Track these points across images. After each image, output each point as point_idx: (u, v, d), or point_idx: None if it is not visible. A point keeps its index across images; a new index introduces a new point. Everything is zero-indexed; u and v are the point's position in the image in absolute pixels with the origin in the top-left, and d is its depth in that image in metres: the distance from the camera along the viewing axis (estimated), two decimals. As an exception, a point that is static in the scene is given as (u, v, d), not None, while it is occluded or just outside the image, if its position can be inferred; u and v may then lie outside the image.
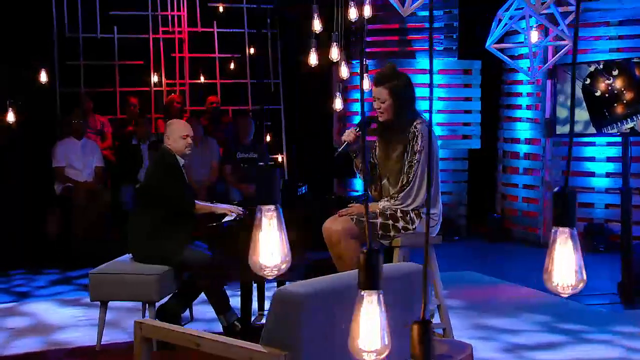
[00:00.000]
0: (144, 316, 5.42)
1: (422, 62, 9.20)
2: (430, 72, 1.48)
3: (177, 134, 5.03)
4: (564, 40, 6.13)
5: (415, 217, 4.21)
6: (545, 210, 8.84)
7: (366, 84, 5.77)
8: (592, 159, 8.54)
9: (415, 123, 4.26)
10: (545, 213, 8.84)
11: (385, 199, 4.29)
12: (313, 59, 5.21)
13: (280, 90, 10.44)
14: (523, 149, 9.22)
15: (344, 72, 5.66)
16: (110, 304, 5.28)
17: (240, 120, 8.89)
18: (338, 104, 6.17)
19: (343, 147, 4.42)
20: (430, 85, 1.52)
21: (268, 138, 9.99)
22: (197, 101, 10.09)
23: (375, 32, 9.30)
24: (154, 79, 10.06)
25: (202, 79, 10.24)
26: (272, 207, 1.44)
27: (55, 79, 9.23)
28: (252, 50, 10.35)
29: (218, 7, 10.28)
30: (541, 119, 8.82)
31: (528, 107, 9.16)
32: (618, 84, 5.93)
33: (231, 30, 10.32)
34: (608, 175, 8.49)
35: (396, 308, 2.59)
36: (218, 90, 10.27)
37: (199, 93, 10.19)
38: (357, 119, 9.64)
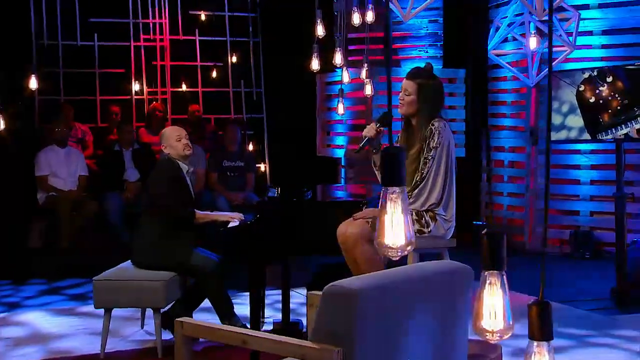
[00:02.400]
0: (142, 324, 5.39)
1: (408, 70, 9.25)
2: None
3: (172, 139, 5.07)
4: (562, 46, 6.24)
5: (430, 220, 4.24)
6: (531, 218, 8.95)
7: (368, 90, 5.80)
8: (577, 167, 8.68)
9: (433, 121, 4.30)
10: (531, 221, 8.95)
11: (399, 200, 4.31)
12: (315, 64, 5.22)
13: (263, 98, 10.45)
14: (508, 157, 9.34)
15: (346, 77, 5.69)
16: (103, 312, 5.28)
17: (227, 128, 8.88)
18: (340, 109, 6.20)
19: (364, 142, 4.43)
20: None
21: (250, 147, 9.99)
22: (179, 110, 10.05)
23: (359, 41, 9.36)
24: (135, 87, 10.01)
25: (184, 87, 10.21)
26: (397, 189, 1.46)
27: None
28: (234, 59, 10.35)
29: (200, 14, 10.28)
30: (526, 127, 8.95)
31: (512, 116, 9.29)
32: (612, 90, 6.04)
33: (213, 38, 10.31)
34: (593, 182, 8.62)
35: (440, 305, 2.62)
36: (200, 99, 10.24)
37: (181, 101, 10.15)
38: (340, 128, 9.68)
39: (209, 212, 5.19)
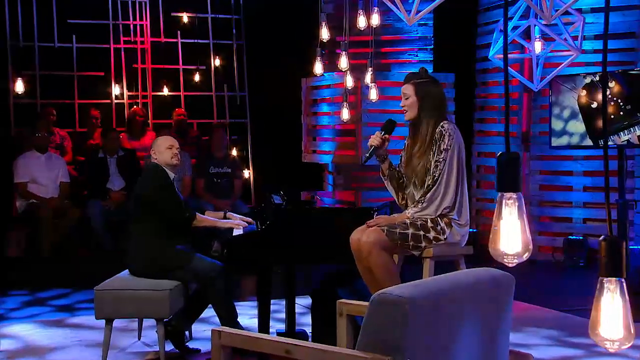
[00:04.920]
0: (140, 335, 5.36)
1: (397, 74, 9.32)
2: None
3: (163, 146, 5.12)
4: (567, 51, 6.34)
5: (445, 227, 4.28)
6: (523, 225, 9.03)
7: (373, 94, 5.84)
8: (569, 173, 8.78)
9: (442, 123, 4.34)
10: (523, 228, 9.04)
11: (412, 205, 4.35)
12: (318, 68, 5.24)
13: (247, 102, 10.46)
14: (498, 163, 9.42)
15: (350, 81, 5.72)
16: (96, 323, 5.24)
17: (213, 133, 8.87)
18: (345, 114, 6.22)
19: (370, 152, 4.47)
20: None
21: (234, 152, 9.98)
22: (161, 114, 10.02)
23: (348, 44, 9.40)
24: (115, 90, 9.97)
25: (165, 91, 10.18)
26: (514, 194, 1.48)
27: (8, 90, 9.08)
28: (217, 62, 10.35)
29: (182, 16, 10.26)
30: (518, 133, 9.05)
31: (503, 121, 9.38)
32: (615, 95, 6.14)
33: (195, 40, 10.30)
34: (585, 189, 8.73)
35: (486, 313, 2.65)
36: (182, 103, 10.22)
37: (163, 106, 10.12)
38: (327, 133, 9.70)
39: (209, 217, 5.20)
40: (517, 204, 1.51)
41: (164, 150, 5.10)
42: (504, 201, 1.52)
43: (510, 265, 1.54)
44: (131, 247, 5.05)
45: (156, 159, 5.11)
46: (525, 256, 1.55)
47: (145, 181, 5.12)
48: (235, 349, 4.41)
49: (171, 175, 5.11)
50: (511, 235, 1.50)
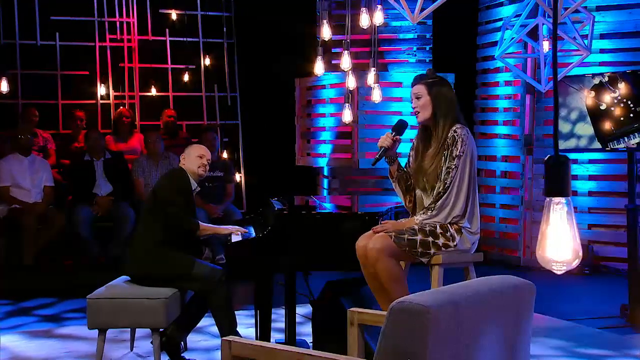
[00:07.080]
0: (132, 346, 5.35)
1: (395, 74, 9.35)
2: None
3: (193, 154, 5.23)
4: (576, 50, 6.37)
5: (455, 234, 4.28)
6: (525, 231, 9.07)
7: (377, 95, 5.85)
8: (574, 177, 8.82)
9: (455, 127, 4.34)
10: (526, 234, 9.07)
11: (421, 212, 4.35)
12: (319, 68, 5.25)
13: (238, 103, 10.45)
14: (500, 166, 9.45)
15: (352, 82, 5.74)
16: (86, 333, 5.23)
17: (204, 135, 8.85)
18: (347, 116, 6.23)
19: (380, 154, 4.47)
20: None
21: (225, 155, 9.98)
22: (148, 115, 10.00)
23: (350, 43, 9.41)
24: (101, 90, 9.95)
25: (153, 92, 10.16)
26: (563, 199, 1.49)
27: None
28: (207, 61, 10.34)
29: (170, 13, 10.25)
30: (520, 136, 9.09)
31: (505, 123, 9.41)
32: (624, 97, 6.17)
33: (185, 39, 10.29)
34: (590, 194, 8.77)
35: (507, 322, 2.67)
36: (171, 104, 10.20)
37: (150, 107, 10.10)
38: (322, 135, 9.72)
39: (211, 225, 5.24)
40: (566, 209, 1.52)
41: (193, 157, 5.19)
42: (552, 206, 1.53)
43: (558, 272, 1.55)
44: (133, 251, 5.06)
45: (184, 164, 5.18)
46: (575, 263, 1.57)
47: (167, 182, 5.19)
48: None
49: (194, 184, 5.16)
50: (560, 241, 1.51)
